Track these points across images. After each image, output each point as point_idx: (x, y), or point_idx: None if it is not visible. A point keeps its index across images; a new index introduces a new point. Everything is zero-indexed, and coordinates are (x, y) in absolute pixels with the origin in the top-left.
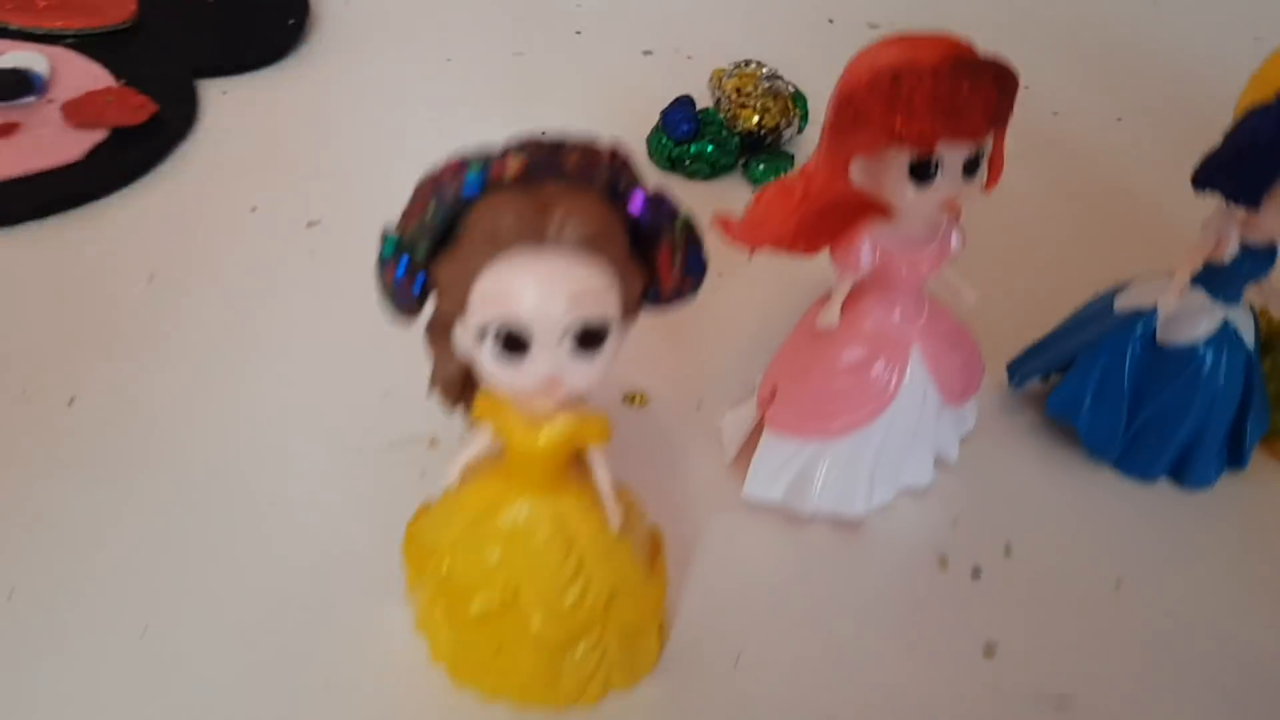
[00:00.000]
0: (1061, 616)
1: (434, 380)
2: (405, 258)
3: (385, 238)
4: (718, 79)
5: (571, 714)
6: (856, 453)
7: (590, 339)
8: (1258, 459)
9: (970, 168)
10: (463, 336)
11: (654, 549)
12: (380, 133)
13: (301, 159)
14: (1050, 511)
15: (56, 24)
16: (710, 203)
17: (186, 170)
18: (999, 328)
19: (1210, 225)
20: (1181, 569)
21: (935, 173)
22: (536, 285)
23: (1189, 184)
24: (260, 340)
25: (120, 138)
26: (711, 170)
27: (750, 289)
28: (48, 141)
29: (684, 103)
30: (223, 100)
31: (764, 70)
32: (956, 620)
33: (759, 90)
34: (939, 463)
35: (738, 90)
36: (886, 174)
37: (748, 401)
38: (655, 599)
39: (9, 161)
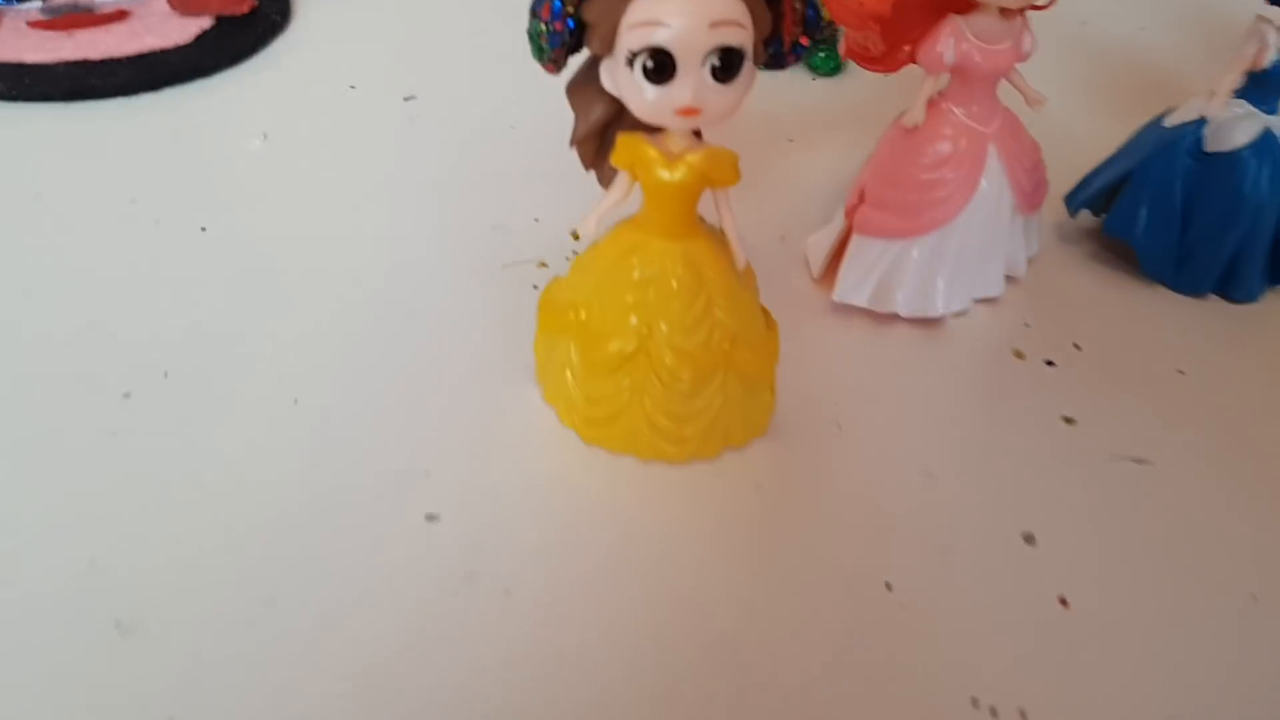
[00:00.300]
0: (1132, 397)
1: (575, 135)
2: (559, 1)
3: None
4: None
5: (692, 466)
6: (938, 255)
7: (728, 65)
8: None
9: None
10: (609, 73)
11: (768, 318)
12: (461, 23)
13: (389, 47)
14: (1113, 318)
15: None
16: (776, 91)
17: (287, 55)
18: (1053, 169)
19: (1251, 34)
20: (1234, 365)
21: None
22: (683, 10)
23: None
24: (374, 187)
25: (224, 25)
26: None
27: (821, 148)
28: (157, 26)
29: None
30: (315, 2)
31: None
32: (1036, 398)
33: None
34: (1009, 279)
35: None
36: None
37: (831, 222)
38: (771, 351)
39: (122, 41)
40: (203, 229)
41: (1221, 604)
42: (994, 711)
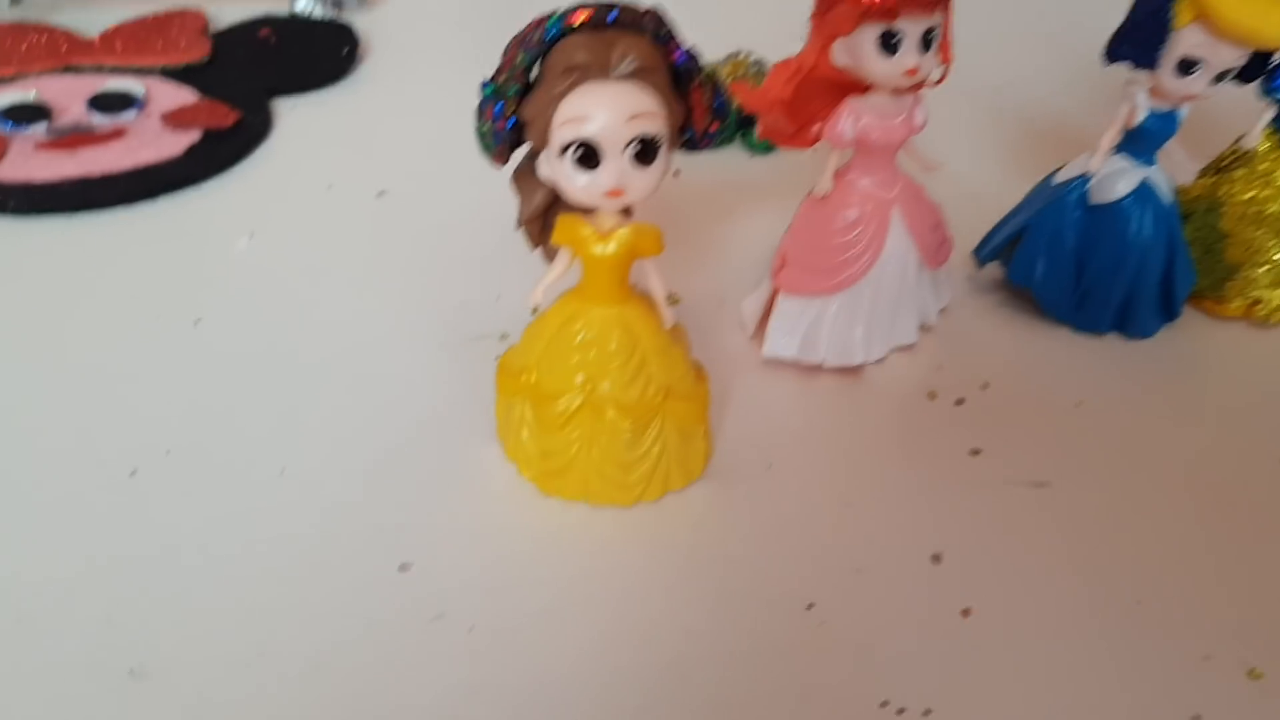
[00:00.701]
0: (1034, 428)
1: (521, 218)
2: (500, 102)
3: (483, 86)
4: (714, 68)
5: (638, 509)
6: (854, 309)
7: (647, 151)
8: (1189, 314)
9: (926, 42)
10: (546, 163)
11: (698, 372)
12: (425, 126)
13: (362, 149)
14: (1018, 358)
15: (145, 60)
16: (715, 168)
17: (269, 161)
18: (962, 227)
19: (1124, 98)
20: (1129, 395)
21: (899, 43)
22: (605, 106)
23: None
24: (351, 275)
25: (211, 138)
26: (720, 142)
27: (757, 218)
28: (151, 141)
29: None
30: (293, 112)
31: (751, 57)
32: (946, 433)
33: (749, 73)
34: (923, 327)
35: (731, 74)
36: (861, 48)
37: (762, 284)
38: (702, 402)
39: (121, 157)
40: (197, 321)
41: (1109, 610)
42: (901, 711)
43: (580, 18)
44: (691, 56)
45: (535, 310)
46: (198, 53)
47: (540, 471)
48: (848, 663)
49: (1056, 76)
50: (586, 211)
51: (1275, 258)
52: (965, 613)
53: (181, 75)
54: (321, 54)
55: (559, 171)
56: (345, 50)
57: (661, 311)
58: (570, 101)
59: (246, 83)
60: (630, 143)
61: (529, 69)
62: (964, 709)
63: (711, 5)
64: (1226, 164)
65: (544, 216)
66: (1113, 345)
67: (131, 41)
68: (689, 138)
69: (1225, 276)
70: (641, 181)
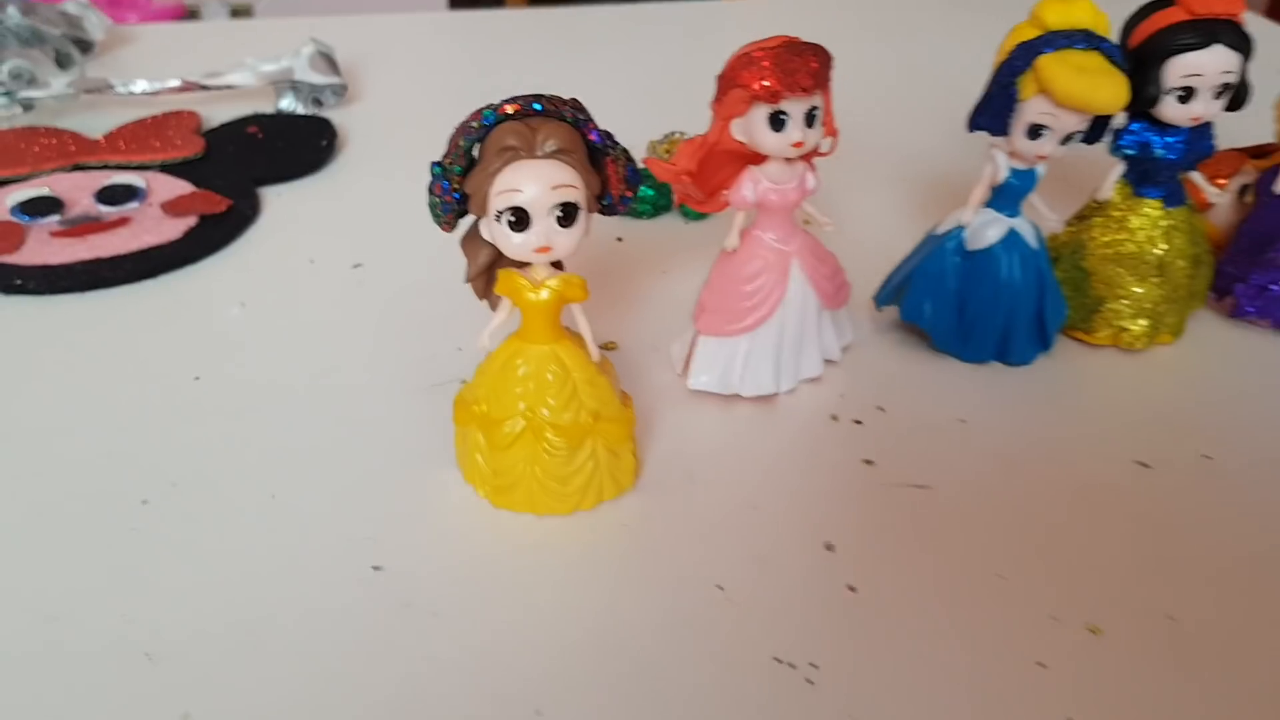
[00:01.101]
0: (920, 441)
1: (468, 275)
2: (446, 179)
3: (433, 166)
4: (653, 146)
5: (577, 517)
6: (764, 347)
7: (568, 215)
8: (1065, 343)
9: (810, 119)
10: (486, 228)
11: (625, 397)
12: (394, 206)
13: (341, 227)
14: (911, 385)
15: (145, 157)
16: (654, 235)
17: (258, 241)
18: (872, 275)
19: (987, 159)
20: (1006, 413)
21: (785, 121)
22: (532, 180)
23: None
24: (330, 334)
25: (206, 222)
26: (654, 210)
27: (688, 275)
28: (153, 227)
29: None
30: (278, 199)
31: (685, 136)
32: (844, 448)
33: None
34: (828, 362)
35: (668, 150)
36: (754, 127)
37: (687, 329)
38: (627, 424)
39: (126, 241)
40: (196, 378)
41: (973, 583)
42: (792, 665)
43: (510, 109)
44: (604, 136)
45: (484, 351)
46: (192, 149)
47: (492, 488)
48: (750, 631)
49: (953, 146)
50: (522, 266)
51: (1134, 291)
52: (851, 589)
53: (178, 169)
54: (303, 146)
55: (497, 234)
56: (324, 142)
57: (589, 347)
58: (503, 176)
59: (236, 174)
60: (554, 208)
61: (470, 151)
62: (845, 665)
63: (655, 93)
64: (1087, 213)
65: (488, 272)
66: (996, 372)
67: (133, 141)
68: (607, 203)
69: (1093, 310)
70: (565, 240)
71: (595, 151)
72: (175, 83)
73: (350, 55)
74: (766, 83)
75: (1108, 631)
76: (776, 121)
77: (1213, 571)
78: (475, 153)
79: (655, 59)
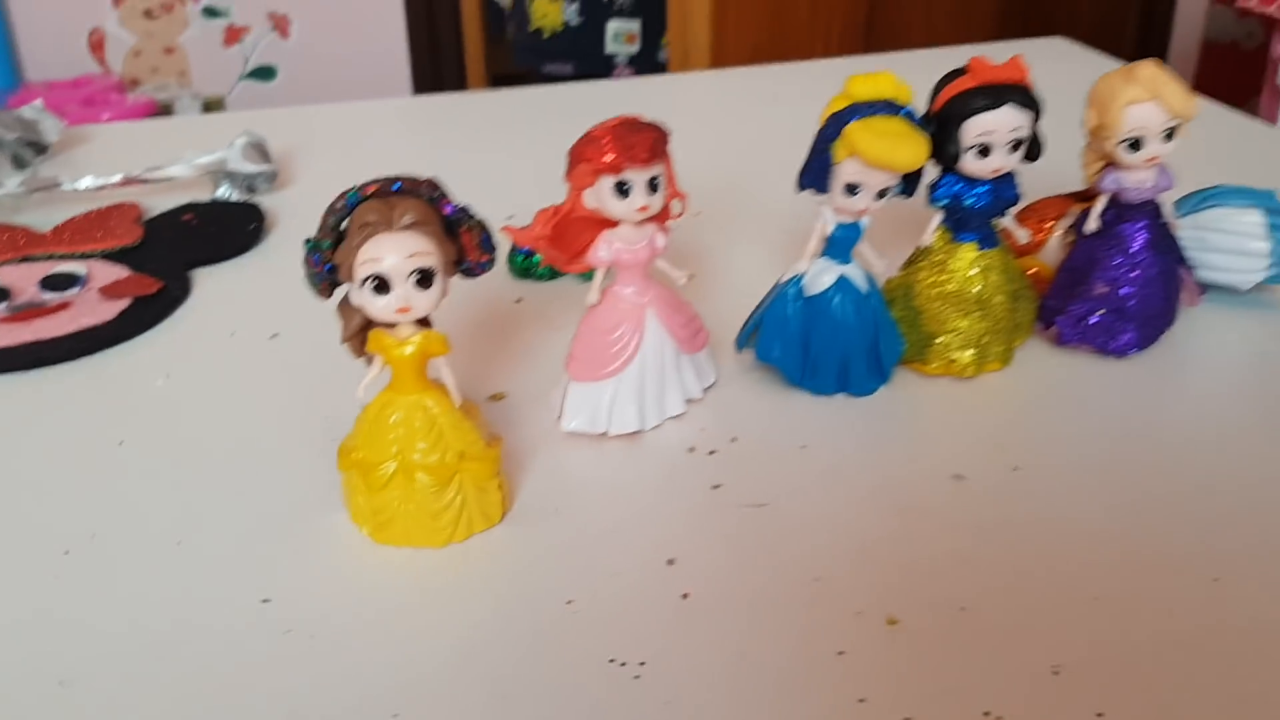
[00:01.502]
0: (766, 466)
1: (343, 336)
2: (318, 253)
3: (306, 242)
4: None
5: (450, 548)
6: (627, 389)
7: (424, 279)
8: (905, 374)
9: (653, 187)
10: (354, 295)
11: (493, 438)
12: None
13: (262, 303)
14: (763, 419)
15: (88, 247)
16: (552, 296)
17: (186, 319)
18: (732, 323)
19: (817, 216)
20: (846, 438)
21: (629, 189)
22: (390, 250)
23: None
24: (246, 398)
25: (139, 303)
26: (551, 274)
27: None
28: (90, 310)
29: None
30: (208, 279)
31: None
32: (698, 476)
33: None
34: (690, 400)
35: None
36: (603, 196)
37: (562, 376)
38: (492, 462)
39: (65, 324)
40: (120, 443)
41: (792, 585)
42: (623, 664)
43: (371, 189)
44: (458, 209)
45: (361, 403)
46: (132, 238)
47: (373, 526)
48: (590, 638)
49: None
50: (390, 326)
51: (959, 325)
52: (684, 596)
53: (118, 256)
54: (234, 230)
55: (363, 299)
56: (252, 226)
57: (452, 394)
58: (365, 248)
59: (171, 258)
60: (411, 274)
61: (338, 227)
62: (669, 661)
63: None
64: (914, 258)
65: (361, 333)
66: (841, 403)
67: (78, 233)
68: (466, 267)
69: (926, 344)
70: (423, 301)
71: (450, 223)
72: (118, 178)
73: (287, 144)
74: (608, 157)
75: (904, 622)
76: (621, 190)
77: (1006, 568)
78: (343, 228)
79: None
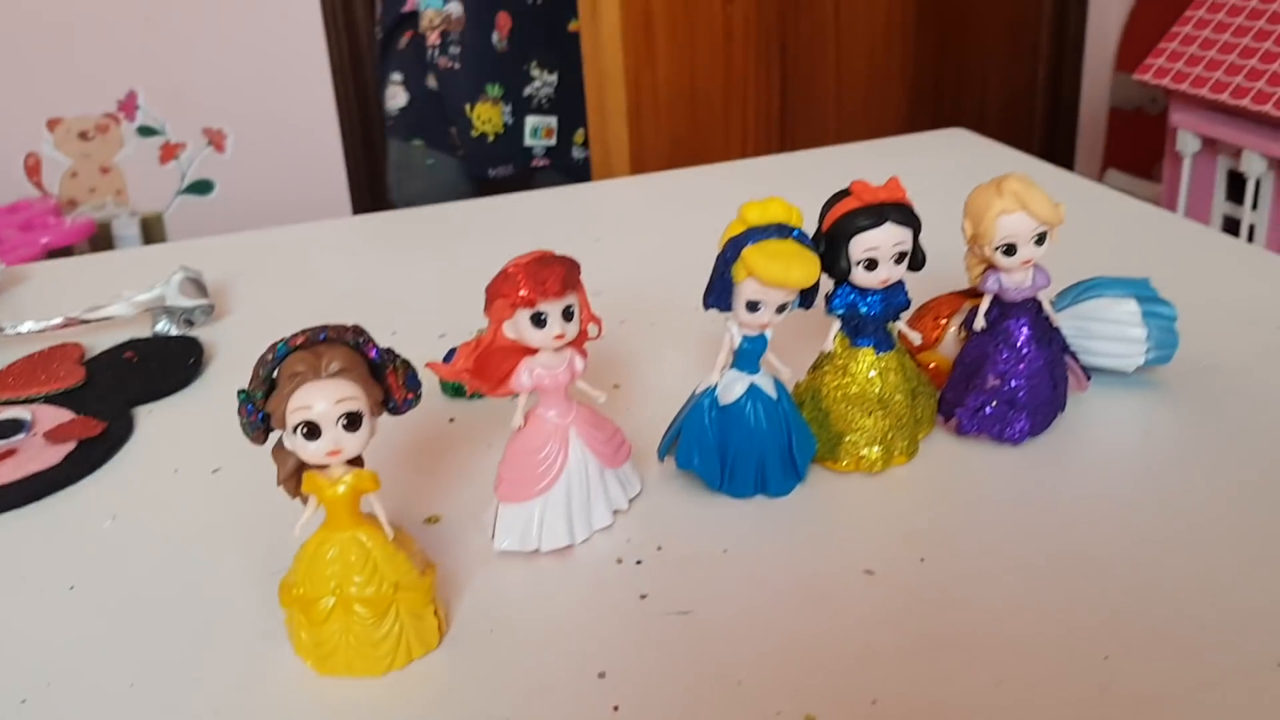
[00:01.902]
0: (689, 573)
1: (279, 479)
2: (250, 403)
3: (239, 393)
4: (480, 331)
5: (390, 676)
6: (555, 506)
7: (352, 423)
8: (819, 472)
9: (567, 316)
10: (287, 440)
11: (426, 566)
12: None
13: (204, 438)
14: (687, 525)
15: (31, 391)
16: (484, 415)
17: (130, 458)
18: (656, 430)
19: (726, 331)
20: (764, 538)
21: (545, 320)
22: (319, 397)
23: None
24: (192, 533)
25: (84, 446)
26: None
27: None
28: (36, 455)
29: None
30: (150, 416)
31: None
32: (625, 588)
33: None
34: (616, 512)
35: None
36: (521, 327)
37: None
38: (426, 590)
39: (12, 471)
40: (71, 588)
41: (715, 688)
42: None
43: (299, 340)
44: (382, 354)
45: (299, 541)
46: (74, 379)
47: (316, 658)
48: None
49: None
50: (322, 467)
51: (864, 424)
52: (615, 708)
53: (61, 399)
54: (173, 366)
55: (296, 444)
56: (191, 360)
57: (384, 526)
58: (295, 397)
59: (113, 397)
60: (340, 418)
61: (269, 378)
62: None
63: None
64: (818, 363)
65: (295, 475)
66: (760, 504)
67: (21, 378)
68: (392, 406)
69: (836, 443)
70: (352, 443)
71: (375, 366)
72: (59, 321)
73: (223, 272)
74: (523, 292)
75: (820, 717)
76: (538, 321)
77: (915, 658)
78: (274, 377)
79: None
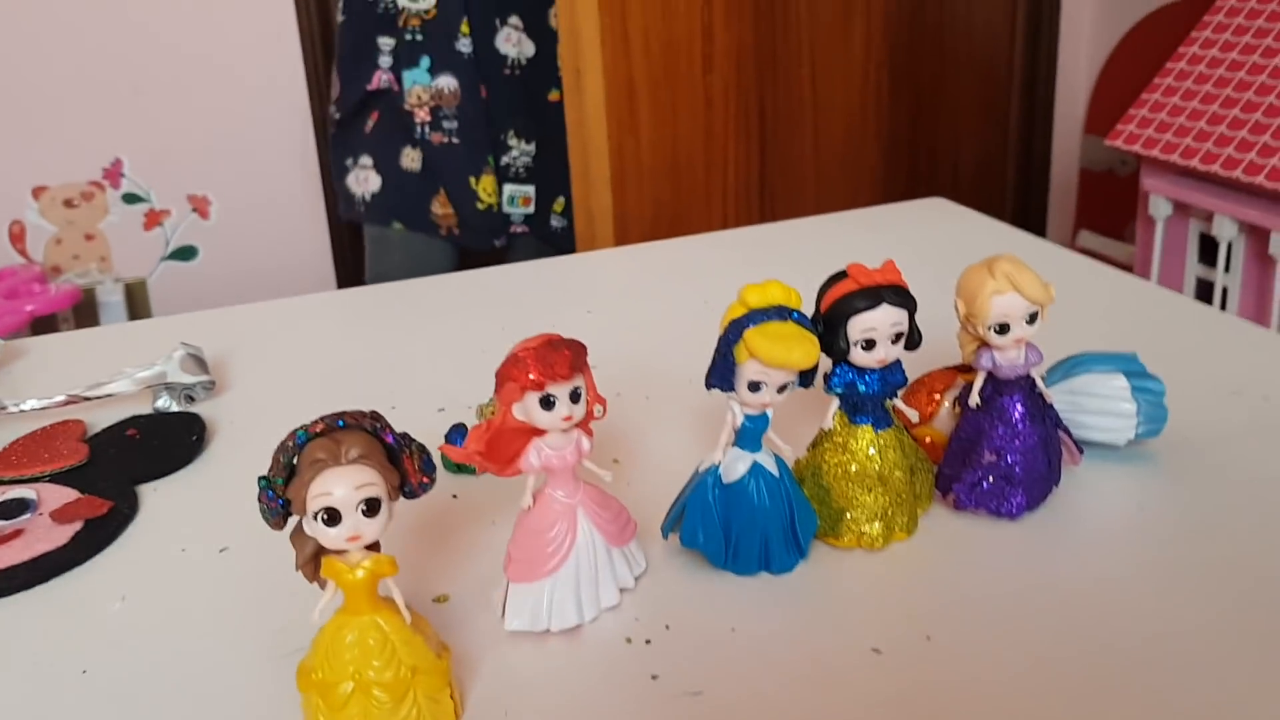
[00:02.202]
0: (698, 652)
1: (297, 563)
2: (271, 490)
3: (260, 480)
4: (481, 410)
5: None
6: (564, 586)
7: (371, 508)
8: (821, 548)
9: (575, 398)
10: (307, 525)
11: (442, 648)
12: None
13: (210, 516)
14: (693, 603)
15: (35, 470)
16: (486, 491)
17: (138, 537)
18: (656, 506)
19: (727, 410)
20: (770, 616)
21: (554, 402)
22: (339, 484)
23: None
24: (200, 610)
25: (91, 525)
26: None
27: (503, 526)
28: (43, 536)
29: (458, 428)
30: (154, 494)
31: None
32: (636, 668)
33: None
34: (623, 590)
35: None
36: (530, 409)
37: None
38: (443, 674)
39: (20, 552)
40: (84, 671)
41: None
42: None
43: (318, 428)
44: (399, 439)
45: (317, 626)
46: (77, 458)
47: None
48: None
49: None
50: (340, 552)
51: (865, 501)
52: None
53: (65, 477)
54: (175, 442)
55: (315, 529)
56: (194, 437)
57: (402, 610)
58: (316, 483)
59: (117, 475)
60: (359, 504)
61: (289, 465)
62: None
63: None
64: (818, 440)
65: (314, 560)
66: (764, 581)
67: (24, 456)
68: (408, 490)
69: (837, 519)
70: (371, 528)
71: (392, 451)
72: (61, 398)
73: (217, 346)
74: (532, 376)
75: None
76: (547, 403)
77: None
78: (295, 463)
79: (486, 323)
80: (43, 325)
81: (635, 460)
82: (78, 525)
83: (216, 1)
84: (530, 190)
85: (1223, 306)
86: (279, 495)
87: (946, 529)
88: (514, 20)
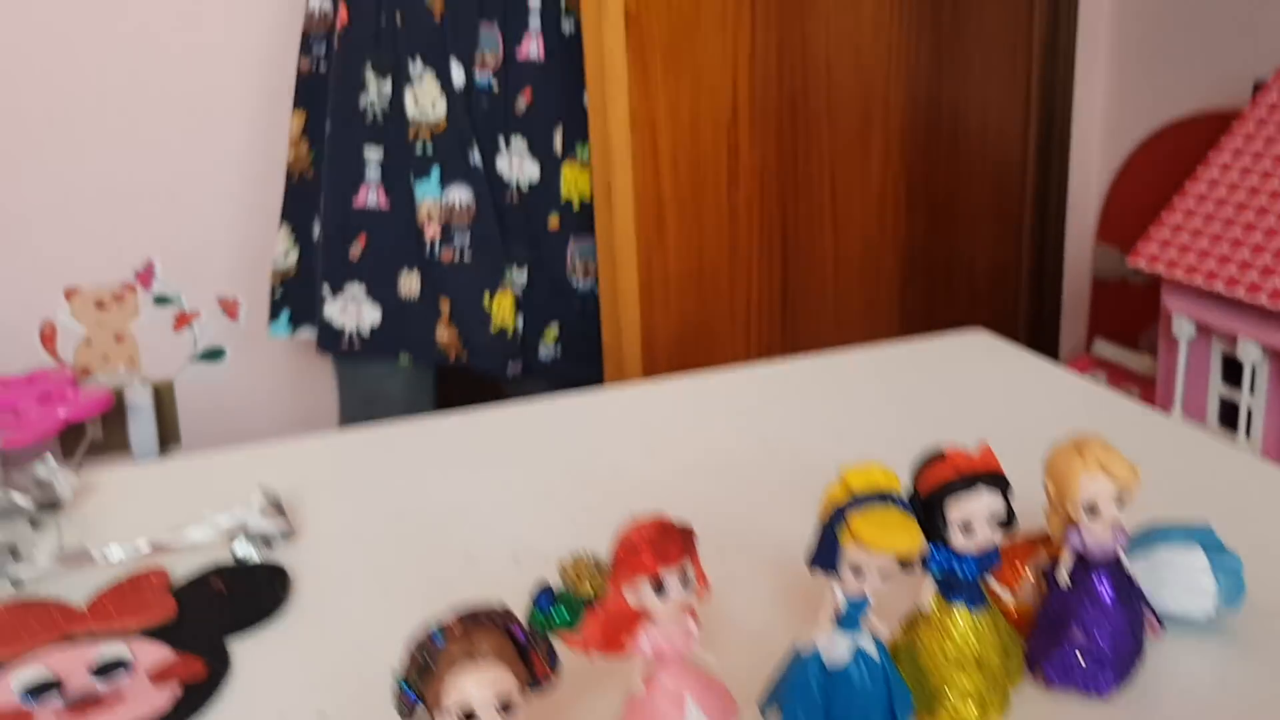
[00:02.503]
0: None
1: None
2: (409, 689)
3: (400, 681)
4: (564, 571)
5: None
6: None
7: (506, 708)
8: None
9: (684, 582)
10: None
11: None
12: (352, 650)
13: (304, 677)
14: None
15: (125, 623)
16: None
17: (234, 700)
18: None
19: (826, 590)
20: None
21: (664, 586)
22: (475, 684)
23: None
24: None
25: (189, 691)
26: (571, 621)
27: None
28: (143, 699)
29: (546, 593)
30: (245, 651)
31: (588, 556)
32: None
33: (587, 568)
34: None
35: (573, 568)
36: (642, 594)
37: None
38: None
39: (123, 717)
40: None
41: None
42: None
43: (454, 630)
44: (527, 633)
45: None
46: (166, 612)
47: None
48: None
49: None
50: None
51: (960, 681)
52: None
53: (157, 633)
54: (261, 595)
55: None
56: (279, 588)
57: None
58: (454, 684)
59: (207, 631)
60: (495, 704)
61: (426, 663)
62: None
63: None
64: (914, 620)
65: None
66: None
67: (113, 608)
68: (534, 684)
69: (933, 700)
70: None
71: (522, 647)
72: (146, 549)
73: (287, 484)
74: (647, 562)
75: None
76: (658, 588)
77: None
78: (430, 661)
79: (545, 458)
80: (72, 430)
81: (716, 623)
82: (176, 688)
83: (247, 107)
84: (519, 321)
85: (1248, 428)
86: (416, 693)
87: (1038, 708)
88: (517, 143)
